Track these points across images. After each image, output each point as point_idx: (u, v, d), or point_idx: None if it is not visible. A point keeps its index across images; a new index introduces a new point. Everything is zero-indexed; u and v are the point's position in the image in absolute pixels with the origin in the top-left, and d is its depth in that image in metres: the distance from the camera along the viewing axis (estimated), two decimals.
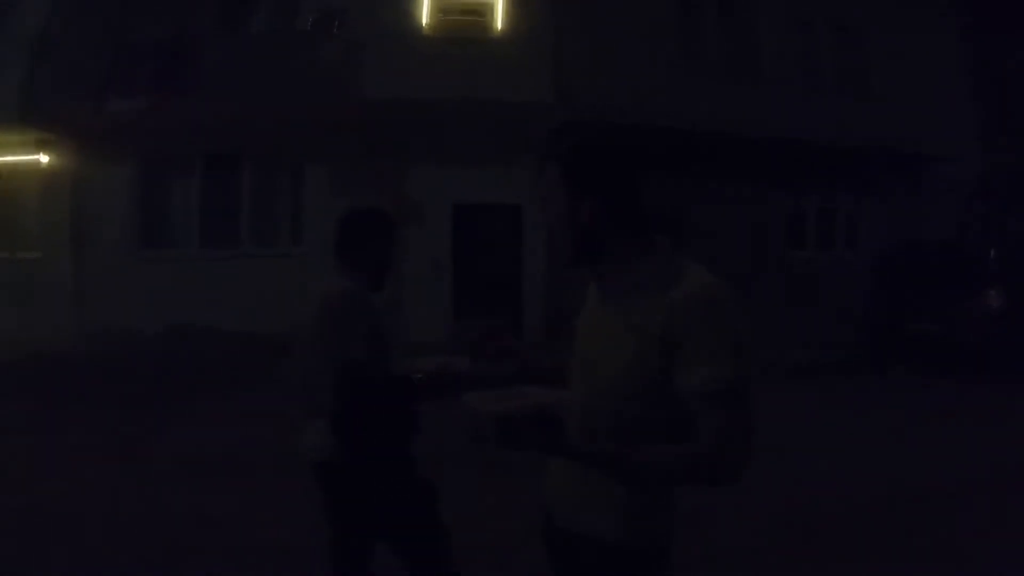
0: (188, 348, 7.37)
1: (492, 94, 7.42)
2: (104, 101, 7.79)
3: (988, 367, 6.45)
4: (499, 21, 7.91)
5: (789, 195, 9.86)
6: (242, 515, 3.21)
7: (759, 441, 0.99)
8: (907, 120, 9.42)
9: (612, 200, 1.07)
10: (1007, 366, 6.40)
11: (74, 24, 8.13)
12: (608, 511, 1.06)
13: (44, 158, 8.51)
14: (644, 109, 7.71)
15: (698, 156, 8.52)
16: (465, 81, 7.44)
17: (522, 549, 2.77)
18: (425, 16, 7.83)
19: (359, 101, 7.62)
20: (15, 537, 2.93)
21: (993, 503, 3.41)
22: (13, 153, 8.57)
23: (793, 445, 4.03)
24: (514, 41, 7.87)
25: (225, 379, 6.35)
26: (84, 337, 7.85)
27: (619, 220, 1.07)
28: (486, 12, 7.93)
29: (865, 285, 8.10)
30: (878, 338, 7.72)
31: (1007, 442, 4.53)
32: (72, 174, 8.43)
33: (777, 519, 3.19)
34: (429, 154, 8.04)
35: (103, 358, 7.09)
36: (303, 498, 3.34)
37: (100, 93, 7.83)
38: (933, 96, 9.93)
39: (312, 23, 8.12)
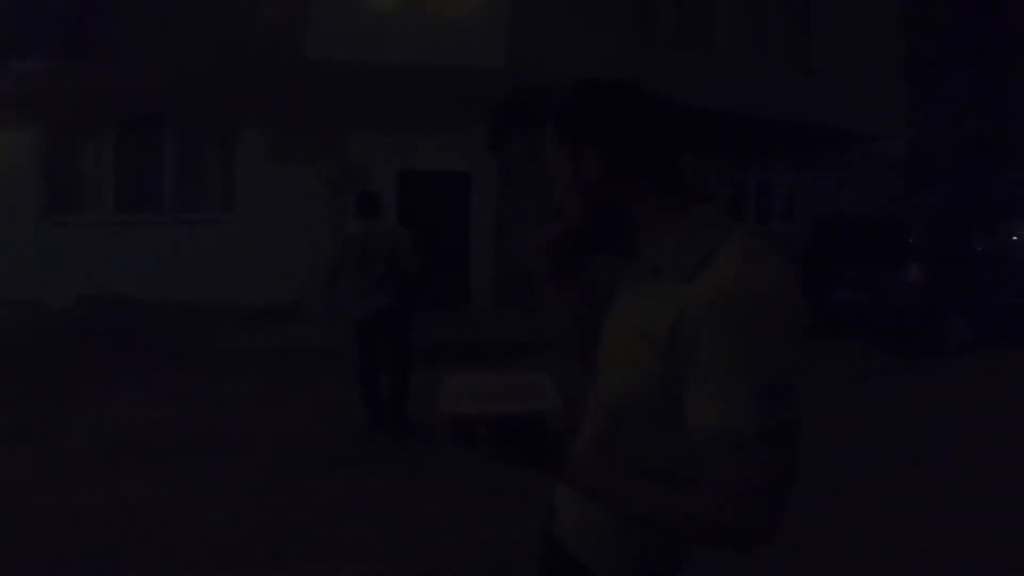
0: (102, 320, 6.83)
1: (441, 58, 7.12)
2: (5, 62, 7.01)
3: (908, 337, 6.91)
4: None
5: (732, 167, 10.12)
6: (165, 501, 3.00)
7: None
8: (844, 99, 9.80)
9: (624, 144, 0.82)
10: (926, 336, 6.88)
11: None
12: (608, 543, 0.87)
13: None
14: (595, 77, 7.62)
15: None
16: (414, 44, 7.11)
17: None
18: None
19: (300, 63, 7.14)
20: None
21: (913, 468, 3.64)
22: None
23: None
24: (465, 4, 7.55)
25: (144, 354, 5.94)
26: None
27: (637, 171, 0.82)
28: None
29: (797, 257, 8.47)
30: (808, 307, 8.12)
31: (921, 408, 4.88)
32: None
33: None
34: (374, 119, 7.70)
35: (8, 333, 6.49)
36: (229, 482, 3.21)
37: (1, 55, 7.03)
38: (870, 77, 10.36)
39: None
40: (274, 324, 7.22)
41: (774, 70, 9.75)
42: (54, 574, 2.38)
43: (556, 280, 0.99)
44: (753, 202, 10.53)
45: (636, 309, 0.81)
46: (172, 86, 7.26)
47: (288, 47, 7.17)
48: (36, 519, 2.79)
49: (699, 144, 9.25)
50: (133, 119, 7.77)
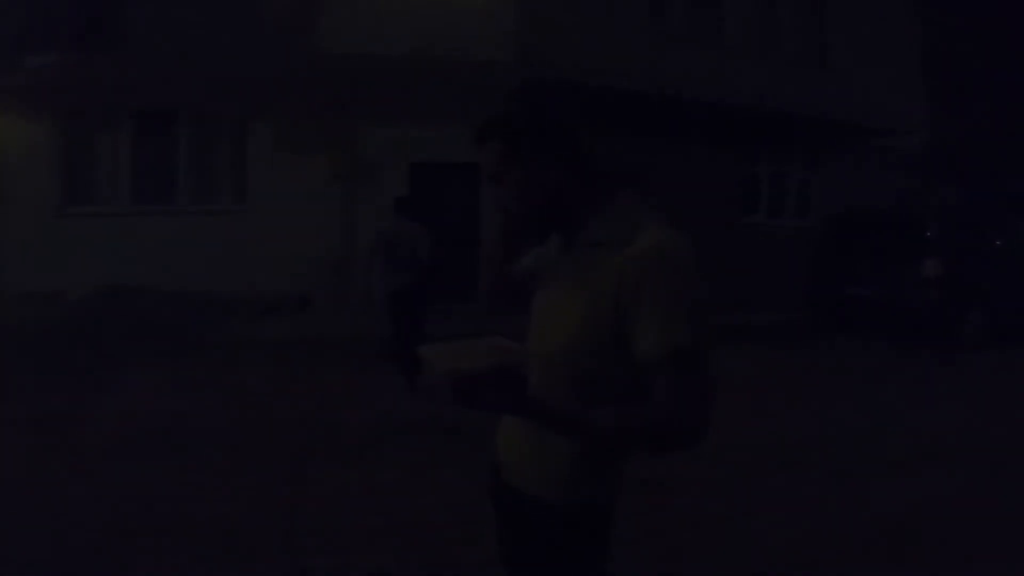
0: (118, 311, 6.93)
1: (453, 50, 7.11)
2: (22, 56, 7.09)
3: (924, 333, 6.81)
4: None
5: (744, 161, 10.00)
6: (177, 490, 3.04)
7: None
8: (861, 92, 9.63)
9: (561, 155, 1.03)
10: (942, 331, 6.78)
11: None
12: (553, 471, 1.05)
13: None
14: (606, 71, 7.55)
15: (659, 119, 8.48)
16: (424, 37, 7.11)
17: (484, 521, 2.73)
18: None
19: (312, 56, 7.16)
20: None
21: (928, 463, 3.60)
22: None
23: (733, 406, 4.13)
24: None
25: (158, 344, 6.01)
26: (2, 301, 7.29)
27: (573, 174, 1.04)
28: None
29: (812, 251, 8.37)
30: (820, 302, 8.04)
31: (937, 404, 4.82)
32: None
33: (724, 480, 3.27)
34: (385, 112, 7.72)
35: (25, 323, 6.59)
36: (240, 472, 3.24)
37: (17, 48, 7.12)
38: (886, 70, 10.17)
39: None
40: (285, 315, 7.28)
41: (787, 63, 9.60)
42: (69, 562, 2.42)
43: (507, 259, 1.25)
44: (766, 196, 10.40)
45: (582, 272, 1.02)
46: (185, 79, 7.32)
47: (300, 40, 7.20)
48: (51, 507, 2.83)
49: (710, 135, 9.17)
50: (148, 112, 7.86)
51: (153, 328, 6.46)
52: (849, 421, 4.39)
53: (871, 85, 9.83)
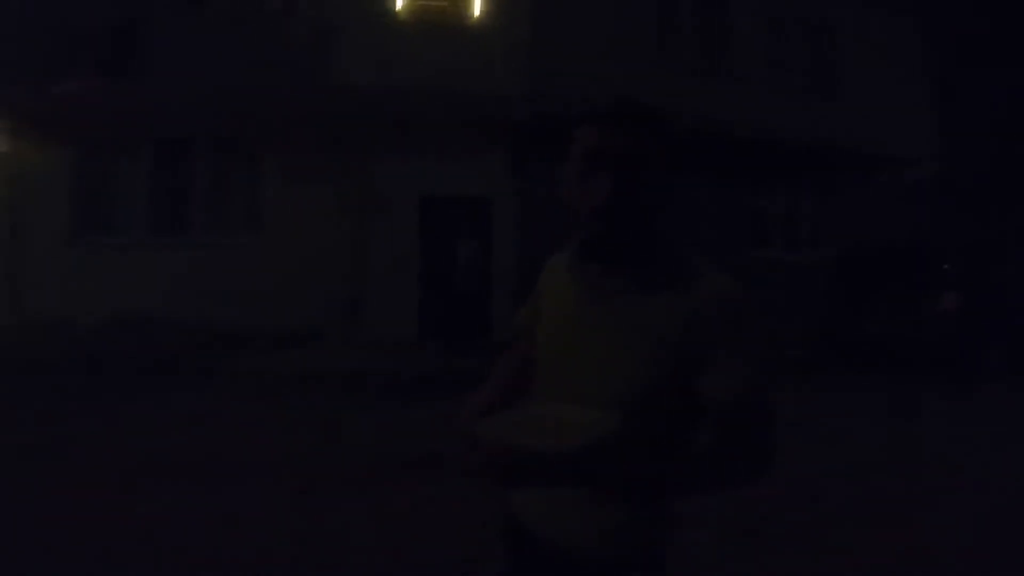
0: (129, 340, 6.98)
1: (465, 83, 7.25)
2: (48, 84, 7.36)
3: (943, 367, 6.64)
4: (476, 9, 7.72)
5: (756, 193, 10.00)
6: (184, 521, 2.99)
7: None
8: (872, 122, 9.65)
9: (650, 176, 0.93)
10: (962, 365, 6.61)
11: (16, 2, 7.63)
12: (607, 522, 0.96)
13: None
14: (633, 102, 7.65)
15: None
16: (438, 69, 7.25)
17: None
18: (400, 0, 7.59)
19: (327, 88, 7.35)
20: None
21: (946, 501, 3.47)
22: None
23: None
24: (490, 30, 7.70)
25: (169, 374, 6.03)
26: (16, 328, 7.38)
27: (650, 201, 0.94)
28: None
29: (826, 285, 8.28)
30: (836, 338, 7.90)
31: (954, 442, 4.66)
32: (10, 159, 7.97)
33: (736, 517, 3.16)
34: (397, 144, 7.82)
35: (38, 350, 6.65)
36: (251, 504, 3.18)
37: (43, 76, 7.40)
38: (897, 99, 10.20)
39: (283, 3, 7.74)
40: (296, 348, 7.26)
41: (798, 94, 9.67)
42: None
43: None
44: (779, 228, 10.35)
45: (632, 317, 0.95)
46: (203, 109, 7.50)
47: (314, 71, 7.37)
48: (53, 536, 2.79)
49: (721, 168, 9.20)
50: (165, 141, 8.01)
51: (163, 359, 6.47)
52: (864, 456, 4.25)
53: (882, 115, 9.84)
